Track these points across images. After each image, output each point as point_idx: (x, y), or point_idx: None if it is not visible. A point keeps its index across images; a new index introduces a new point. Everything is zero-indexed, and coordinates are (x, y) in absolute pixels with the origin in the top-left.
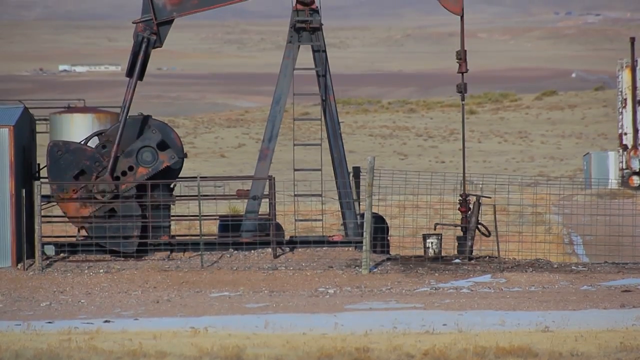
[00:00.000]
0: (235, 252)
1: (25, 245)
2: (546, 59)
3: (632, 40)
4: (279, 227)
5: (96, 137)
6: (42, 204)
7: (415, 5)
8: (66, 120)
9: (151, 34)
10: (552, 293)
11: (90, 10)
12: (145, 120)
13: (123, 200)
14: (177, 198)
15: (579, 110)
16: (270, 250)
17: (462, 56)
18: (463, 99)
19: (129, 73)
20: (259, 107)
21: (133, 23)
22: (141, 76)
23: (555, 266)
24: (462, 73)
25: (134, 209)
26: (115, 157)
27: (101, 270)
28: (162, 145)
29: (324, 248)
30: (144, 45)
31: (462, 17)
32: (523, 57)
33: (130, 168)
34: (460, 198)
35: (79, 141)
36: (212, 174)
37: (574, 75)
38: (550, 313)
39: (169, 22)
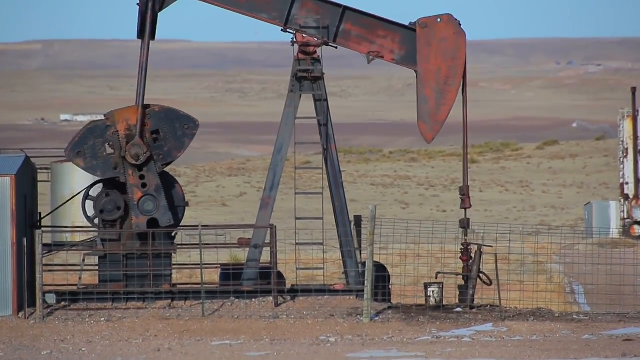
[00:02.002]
0: (237, 300)
1: (26, 294)
2: (547, 108)
3: (633, 90)
4: (280, 276)
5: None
6: (44, 252)
7: None
8: (68, 169)
9: None
10: (554, 342)
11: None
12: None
13: (127, 251)
14: (178, 246)
15: (580, 159)
16: (271, 298)
17: (465, 192)
18: (466, 234)
19: (140, 35)
20: (261, 156)
21: None
22: (152, 36)
23: (557, 315)
24: (465, 209)
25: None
26: (142, 125)
27: (102, 319)
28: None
29: (326, 297)
30: (150, 4)
31: (465, 154)
32: (524, 106)
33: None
34: (462, 247)
35: (80, 190)
36: (213, 223)
37: (575, 124)
38: None
39: None
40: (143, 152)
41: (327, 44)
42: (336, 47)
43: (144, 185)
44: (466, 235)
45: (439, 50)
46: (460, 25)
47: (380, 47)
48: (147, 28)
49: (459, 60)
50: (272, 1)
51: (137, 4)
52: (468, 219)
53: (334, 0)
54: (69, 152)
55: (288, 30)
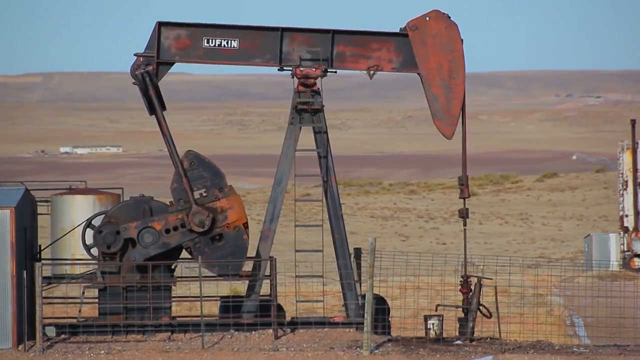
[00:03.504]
0: (236, 333)
1: (26, 327)
2: (547, 140)
3: (633, 122)
4: (280, 308)
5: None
6: (43, 285)
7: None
8: (67, 202)
9: (147, 65)
10: None
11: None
12: (146, 201)
13: (126, 282)
14: (178, 279)
15: (579, 192)
16: (271, 331)
17: (464, 182)
18: (465, 224)
19: (151, 111)
20: (260, 189)
21: (135, 55)
22: (163, 106)
23: (557, 348)
24: (464, 198)
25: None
26: (189, 185)
27: (102, 352)
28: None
29: (325, 329)
30: (147, 79)
31: (464, 137)
32: (524, 138)
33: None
34: (462, 279)
35: (80, 222)
36: None
37: (574, 157)
38: None
39: (169, 64)
40: (206, 217)
41: (326, 72)
42: (335, 72)
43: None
44: (465, 225)
45: (436, 47)
46: (449, 17)
47: (378, 60)
48: (155, 102)
49: (457, 52)
50: (261, 45)
51: (134, 83)
52: (467, 209)
53: (320, 27)
54: None
55: (285, 68)
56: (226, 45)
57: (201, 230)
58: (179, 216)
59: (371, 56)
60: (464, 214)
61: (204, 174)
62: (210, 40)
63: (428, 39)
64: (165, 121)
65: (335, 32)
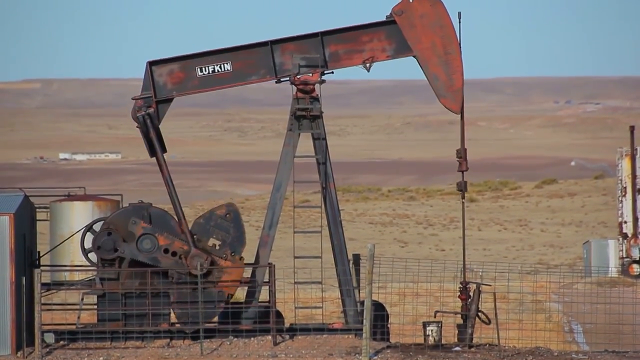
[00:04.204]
0: (235, 339)
1: (24, 333)
2: (546, 147)
3: (632, 128)
4: (278, 315)
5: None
6: (42, 291)
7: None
8: (66, 208)
9: (149, 107)
10: None
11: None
12: (145, 208)
13: (125, 288)
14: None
15: (578, 198)
16: (270, 337)
17: (462, 154)
18: (463, 197)
19: (152, 153)
20: (259, 195)
21: (133, 99)
22: (163, 148)
23: (556, 354)
24: (463, 171)
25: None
26: (188, 229)
27: (101, 358)
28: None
29: (324, 335)
30: (149, 122)
31: (462, 114)
32: (523, 145)
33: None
34: (461, 286)
35: (79, 229)
36: None
37: (573, 163)
38: None
39: (169, 100)
40: (204, 260)
41: (323, 75)
42: (332, 72)
43: None
44: (463, 198)
45: (425, 27)
46: None
47: (372, 52)
48: (155, 145)
49: (447, 27)
50: (254, 61)
51: (137, 127)
52: (465, 182)
53: (308, 32)
54: None
55: (282, 80)
56: (220, 70)
57: (194, 272)
58: (184, 247)
59: (364, 49)
60: (462, 187)
61: (230, 230)
62: (204, 69)
63: (416, 21)
64: (165, 164)
65: (324, 33)
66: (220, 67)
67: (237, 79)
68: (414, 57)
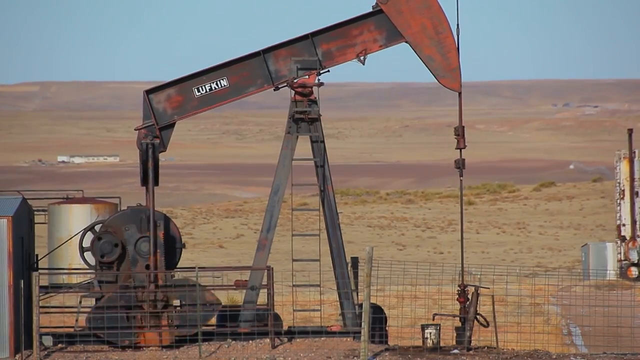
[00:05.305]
0: (233, 342)
1: (23, 336)
2: (544, 150)
3: (630, 131)
4: (277, 318)
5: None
6: (40, 294)
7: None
8: (65, 211)
9: (154, 138)
10: None
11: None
12: (144, 211)
13: (122, 291)
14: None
15: (577, 201)
16: (268, 340)
17: (460, 132)
18: (461, 175)
19: (144, 182)
20: (257, 198)
21: (135, 130)
22: (156, 181)
23: (554, 357)
24: (461, 149)
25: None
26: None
27: None
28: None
29: (322, 338)
30: (150, 152)
31: (460, 93)
32: (521, 148)
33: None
34: (459, 288)
35: (78, 231)
36: (210, 265)
37: (571, 166)
38: None
39: (171, 125)
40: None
41: (320, 75)
42: (328, 71)
43: None
44: (461, 175)
45: (412, 11)
46: None
47: (364, 44)
48: (150, 175)
49: (434, 7)
50: (249, 73)
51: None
52: (463, 159)
53: (298, 36)
54: None
55: (279, 86)
56: (217, 87)
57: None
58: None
59: (356, 43)
60: (460, 165)
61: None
62: (201, 88)
63: (402, 6)
64: (153, 197)
65: (313, 34)
66: (216, 84)
67: (236, 93)
68: (406, 42)
